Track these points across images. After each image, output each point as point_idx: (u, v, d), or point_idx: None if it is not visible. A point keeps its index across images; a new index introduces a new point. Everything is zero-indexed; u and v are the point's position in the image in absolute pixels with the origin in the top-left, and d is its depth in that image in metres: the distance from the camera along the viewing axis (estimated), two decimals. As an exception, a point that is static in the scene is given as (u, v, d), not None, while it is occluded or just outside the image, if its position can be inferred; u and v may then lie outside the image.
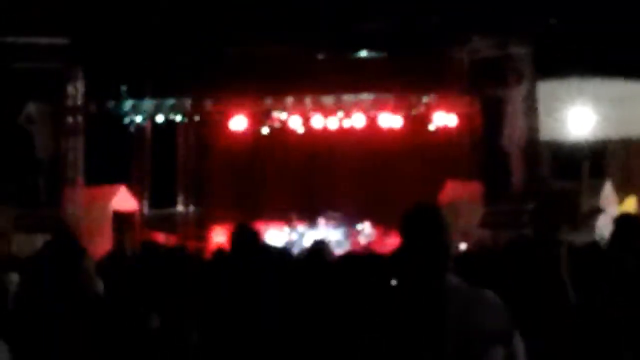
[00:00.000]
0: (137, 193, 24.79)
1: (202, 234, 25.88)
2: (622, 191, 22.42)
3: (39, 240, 15.82)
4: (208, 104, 25.09)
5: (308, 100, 24.86)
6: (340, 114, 24.91)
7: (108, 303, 5.49)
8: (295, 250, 18.66)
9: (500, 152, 22.40)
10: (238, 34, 22.42)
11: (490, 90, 22.66)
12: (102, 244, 19.98)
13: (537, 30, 21.47)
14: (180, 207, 26.64)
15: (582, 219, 20.18)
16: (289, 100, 24.89)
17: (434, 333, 4.11)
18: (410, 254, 4.32)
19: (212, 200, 26.81)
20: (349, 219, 24.91)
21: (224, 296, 6.08)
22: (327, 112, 24.91)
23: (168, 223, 25.76)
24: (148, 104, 24.90)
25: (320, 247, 8.31)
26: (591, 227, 20.07)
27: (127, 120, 25.04)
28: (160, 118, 25.11)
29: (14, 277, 9.39)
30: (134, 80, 24.03)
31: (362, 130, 25.09)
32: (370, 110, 24.76)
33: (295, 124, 25.15)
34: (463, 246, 18.48)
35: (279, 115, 25.24)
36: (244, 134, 25.72)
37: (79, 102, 23.18)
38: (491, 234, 20.79)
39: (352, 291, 6.63)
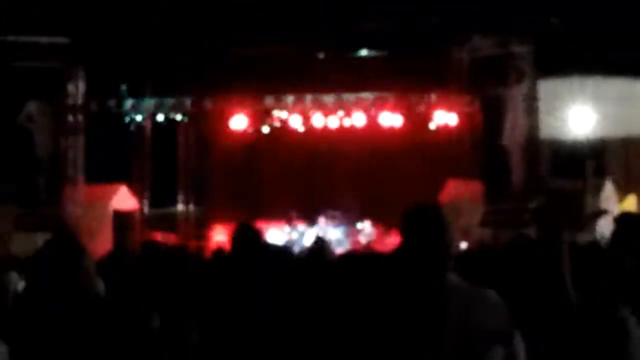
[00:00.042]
0: (137, 192, 24.80)
1: (202, 233, 25.89)
2: (623, 190, 22.42)
3: (39, 239, 15.79)
4: (208, 103, 25.08)
5: (308, 99, 24.86)
6: (341, 113, 24.91)
7: (108, 303, 5.48)
8: (296, 249, 18.68)
9: (500, 150, 22.39)
10: (238, 33, 22.41)
11: (491, 89, 22.65)
12: (102, 244, 19.97)
13: (538, 29, 21.46)
14: (180, 206, 26.64)
15: (585, 220, 20.17)
16: (290, 99, 24.88)
17: (434, 332, 4.11)
18: (410, 253, 4.31)
19: (213, 199, 26.82)
20: (349, 218, 24.90)
21: (224, 295, 6.07)
22: (328, 111, 24.91)
23: (168, 222, 25.77)
24: (148, 103, 24.89)
25: (320, 246, 8.32)
26: (593, 228, 20.07)
27: (127, 119, 25.02)
28: (160, 117, 25.11)
29: (14, 277, 9.39)
30: (134, 79, 24.02)
31: (363, 129, 25.08)
32: (371, 109, 24.75)
33: (296, 123, 25.15)
34: (464, 245, 18.47)
35: (280, 114, 25.25)
36: (244, 133, 25.72)
37: (79, 101, 23.18)
38: (492, 233, 20.78)
39: (352, 290, 6.62)
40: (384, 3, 21.67)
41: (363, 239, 24.29)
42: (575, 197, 21.32)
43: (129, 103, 24.65)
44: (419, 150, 24.94)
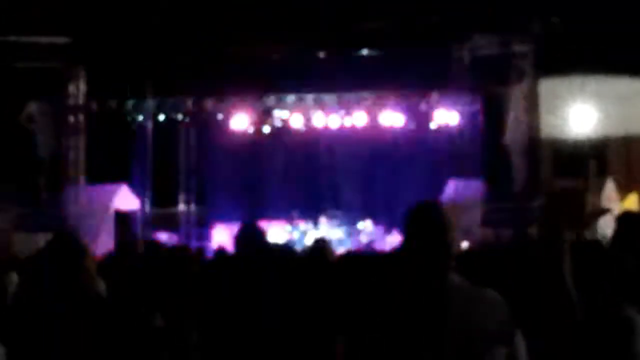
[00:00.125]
0: (138, 192, 24.79)
1: (203, 233, 25.90)
2: (624, 189, 22.42)
3: (40, 239, 15.84)
4: (209, 103, 25.11)
5: (309, 99, 24.88)
6: (342, 112, 24.93)
7: (110, 303, 5.47)
8: (297, 249, 18.66)
9: (501, 150, 22.40)
10: (239, 33, 22.41)
11: (492, 88, 22.67)
12: (103, 244, 19.99)
13: (539, 28, 21.46)
14: (181, 206, 26.63)
15: (587, 219, 20.15)
16: (290, 98, 24.91)
17: (435, 332, 4.10)
18: (412, 253, 4.30)
19: (214, 199, 26.80)
20: (351, 218, 24.91)
21: (224, 295, 6.07)
22: (329, 110, 24.92)
23: (170, 222, 25.76)
24: (149, 103, 24.90)
25: (321, 246, 8.30)
26: (594, 227, 20.06)
27: (128, 119, 25.03)
28: (161, 117, 25.12)
29: (14, 277, 9.39)
30: (135, 79, 24.01)
31: (364, 129, 25.10)
32: (372, 109, 24.77)
33: (297, 122, 25.17)
34: (465, 245, 18.45)
35: (280, 113, 25.28)
36: (245, 132, 25.75)
37: (80, 101, 23.22)
38: (493, 232, 20.77)
39: (353, 290, 6.62)
40: (384, 2, 21.67)
41: (364, 239, 24.28)
42: (577, 196, 21.30)
43: (129, 103, 24.67)
44: (420, 149, 24.94)
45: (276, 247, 7.36)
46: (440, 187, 23.15)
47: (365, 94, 24.63)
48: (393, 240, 22.69)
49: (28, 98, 22.17)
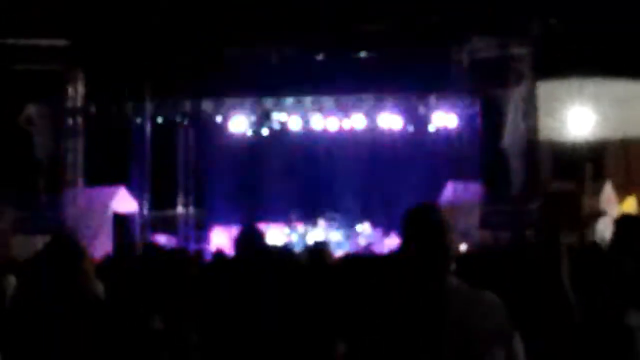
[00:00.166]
0: (137, 194, 24.77)
1: (202, 236, 25.89)
2: (622, 191, 22.43)
3: (39, 242, 15.85)
4: (208, 105, 25.11)
5: (308, 101, 24.88)
6: (340, 114, 24.93)
7: (108, 305, 5.47)
8: (296, 252, 18.65)
9: (500, 152, 22.41)
10: (238, 35, 22.41)
11: (491, 91, 22.68)
12: (102, 246, 20.00)
13: (537, 31, 21.47)
14: (180, 209, 26.61)
15: (584, 222, 20.17)
16: (289, 101, 24.91)
17: (433, 334, 4.10)
18: (410, 255, 4.31)
19: (212, 201, 26.79)
20: (349, 220, 24.91)
21: (224, 298, 6.07)
22: (327, 112, 24.93)
23: (168, 224, 25.75)
24: (148, 105, 24.88)
25: (320, 248, 8.31)
26: (592, 229, 20.08)
27: (127, 121, 25.01)
28: (160, 119, 25.11)
29: (12, 280, 9.39)
30: (134, 81, 24.00)
31: (362, 131, 25.11)
32: (370, 111, 24.77)
33: (295, 124, 25.17)
34: (463, 247, 18.47)
35: (279, 116, 25.26)
36: (243, 135, 25.75)
37: (79, 104, 23.22)
38: (492, 234, 20.79)
39: (351, 292, 6.62)
40: (383, 5, 21.68)
41: (362, 241, 24.28)
42: (573, 198, 21.33)
43: (128, 105, 24.65)
44: (418, 151, 24.94)
45: (275, 249, 7.36)
46: (438, 190, 23.16)
47: (363, 97, 24.63)
48: (391, 242, 22.70)
49: (27, 100, 22.16)
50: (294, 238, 24.30)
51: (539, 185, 22.06)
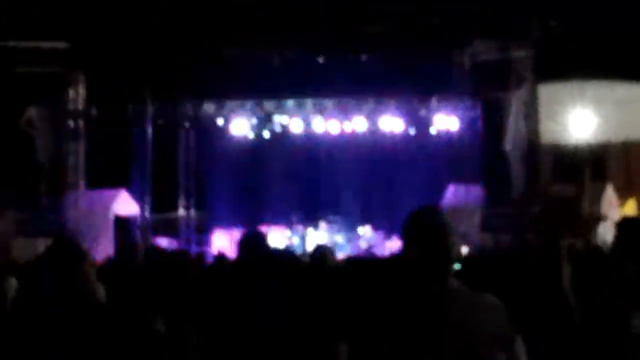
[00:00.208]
0: (138, 197, 24.76)
1: (203, 238, 25.88)
2: (624, 194, 22.42)
3: (40, 244, 15.86)
4: (209, 108, 25.11)
5: (309, 104, 24.88)
6: (342, 117, 24.93)
7: (109, 308, 5.47)
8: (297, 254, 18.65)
9: (501, 155, 22.40)
10: (239, 37, 22.42)
11: (492, 93, 22.68)
12: (103, 249, 19.99)
13: (538, 34, 21.47)
14: (181, 211, 26.61)
15: (584, 226, 20.16)
16: (290, 103, 24.90)
17: (434, 337, 4.10)
18: (411, 258, 4.31)
19: (213, 204, 26.79)
20: (351, 223, 24.91)
21: (225, 300, 6.07)
22: (328, 115, 24.92)
23: (169, 227, 25.74)
24: (149, 107, 24.89)
25: (322, 251, 8.30)
26: (594, 233, 20.07)
27: (127, 123, 25.00)
28: (161, 122, 25.11)
29: (13, 282, 9.38)
30: (135, 84, 24.00)
31: (363, 134, 25.10)
32: (372, 114, 24.77)
33: (297, 127, 25.16)
34: (464, 250, 18.46)
35: (280, 118, 25.26)
36: (245, 137, 25.75)
37: (80, 106, 23.21)
38: (492, 237, 20.78)
39: (353, 295, 6.61)
40: (384, 7, 21.68)
41: (364, 244, 24.27)
42: (572, 203, 21.31)
43: (129, 108, 24.64)
44: (419, 154, 24.93)
45: (277, 252, 7.36)
46: (439, 192, 23.15)
47: (365, 99, 24.63)
48: (393, 245, 22.69)
49: (28, 103, 22.16)
50: (295, 241, 24.30)
51: (540, 188, 22.05)
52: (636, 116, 21.88)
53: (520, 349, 4.34)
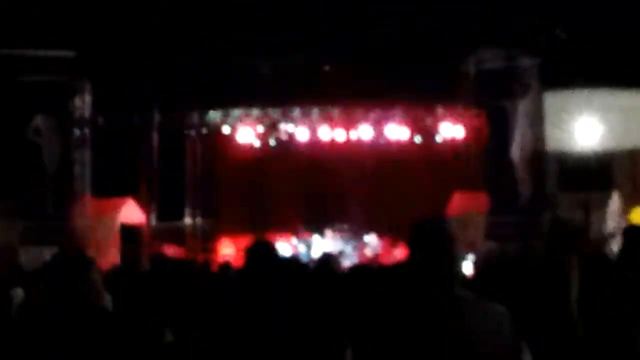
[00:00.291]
0: (144, 205, 24.77)
1: (209, 246, 25.88)
2: (629, 202, 22.36)
3: (47, 253, 15.87)
4: (215, 116, 25.13)
5: (315, 112, 24.89)
6: (347, 125, 24.94)
7: (116, 316, 5.48)
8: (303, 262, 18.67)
9: (507, 163, 22.38)
10: (245, 46, 22.45)
11: (497, 102, 22.65)
12: (109, 257, 20.00)
13: (544, 42, 21.47)
14: (188, 220, 26.62)
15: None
16: (296, 112, 24.92)
17: (438, 344, 4.11)
18: (416, 266, 4.32)
19: (220, 212, 26.81)
20: (356, 231, 24.91)
21: (231, 307, 6.08)
22: (334, 123, 24.93)
23: (176, 235, 25.74)
24: (155, 116, 24.93)
25: (327, 259, 8.32)
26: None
27: (134, 132, 25.03)
28: (167, 130, 25.14)
29: (19, 292, 9.40)
30: (141, 92, 24.03)
31: (369, 142, 25.10)
32: (377, 122, 24.77)
33: (303, 135, 25.17)
34: (471, 258, 18.44)
35: (286, 127, 25.27)
36: (251, 146, 25.77)
37: (86, 115, 23.23)
38: (498, 245, 20.73)
39: (359, 302, 6.63)
40: (391, 15, 21.70)
41: (369, 252, 24.27)
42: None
43: (136, 116, 24.68)
44: (425, 162, 24.95)
45: (283, 260, 7.38)
46: (445, 200, 23.13)
47: (370, 108, 24.63)
48: (398, 253, 22.69)
49: (34, 112, 22.18)
50: (301, 249, 24.31)
51: (545, 197, 22.01)
52: (642, 124, 21.85)
53: (527, 358, 4.34)
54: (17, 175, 21.59)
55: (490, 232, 21.88)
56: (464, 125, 24.21)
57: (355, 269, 8.82)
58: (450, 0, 21.25)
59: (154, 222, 25.50)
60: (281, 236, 24.09)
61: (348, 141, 25.22)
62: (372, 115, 24.75)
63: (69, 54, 22.03)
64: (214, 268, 15.81)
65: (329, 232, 24.69)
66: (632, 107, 21.67)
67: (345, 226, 24.91)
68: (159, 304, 6.76)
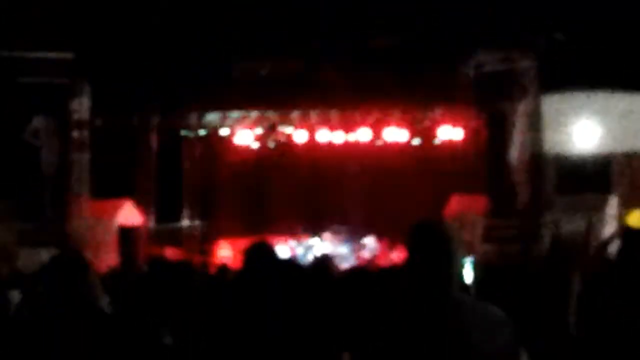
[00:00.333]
0: (142, 207, 24.76)
1: (207, 248, 25.89)
2: (627, 205, 22.36)
3: (44, 255, 15.85)
4: (213, 118, 25.14)
5: (314, 115, 24.90)
6: (346, 128, 24.94)
7: (114, 318, 5.48)
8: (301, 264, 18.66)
9: (505, 166, 22.37)
10: (244, 48, 22.46)
11: (496, 105, 22.65)
12: (107, 259, 20.00)
13: (542, 45, 21.47)
14: (185, 222, 26.62)
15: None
16: (295, 114, 24.93)
17: (436, 348, 4.10)
18: (415, 268, 4.31)
19: (218, 214, 26.82)
20: (354, 233, 24.92)
21: (229, 309, 6.08)
22: (333, 126, 24.93)
23: (174, 237, 25.74)
24: (154, 118, 24.93)
25: (324, 262, 8.32)
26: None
27: (132, 134, 25.03)
28: (166, 132, 25.14)
29: (16, 295, 9.40)
30: (140, 94, 24.02)
31: (368, 145, 25.11)
32: (376, 125, 24.78)
33: (301, 138, 25.17)
34: (469, 258, 18.42)
35: (285, 129, 25.28)
36: (249, 148, 25.78)
37: (85, 117, 23.20)
38: (496, 248, 20.74)
39: (357, 304, 6.63)
40: (389, 18, 21.70)
41: (367, 254, 24.28)
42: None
43: (134, 118, 24.68)
44: (423, 165, 24.97)
45: (283, 261, 7.38)
46: (443, 203, 23.14)
47: (369, 110, 24.63)
48: (396, 256, 22.70)
49: (33, 113, 22.16)
50: (300, 251, 24.31)
51: (544, 200, 22.01)
52: (640, 127, 21.85)
53: (526, 362, 4.34)
54: (15, 177, 21.56)
55: (488, 235, 21.88)
56: (463, 128, 24.22)
57: (353, 271, 8.83)
58: (449, 2, 21.24)
59: (152, 224, 25.50)
60: (279, 238, 24.09)
61: (346, 143, 25.22)
62: (371, 117, 24.75)
63: (67, 55, 22.00)
64: (212, 270, 15.83)
65: (327, 235, 24.70)
66: (631, 110, 21.67)
67: (344, 228, 24.91)
68: (157, 305, 6.75)
